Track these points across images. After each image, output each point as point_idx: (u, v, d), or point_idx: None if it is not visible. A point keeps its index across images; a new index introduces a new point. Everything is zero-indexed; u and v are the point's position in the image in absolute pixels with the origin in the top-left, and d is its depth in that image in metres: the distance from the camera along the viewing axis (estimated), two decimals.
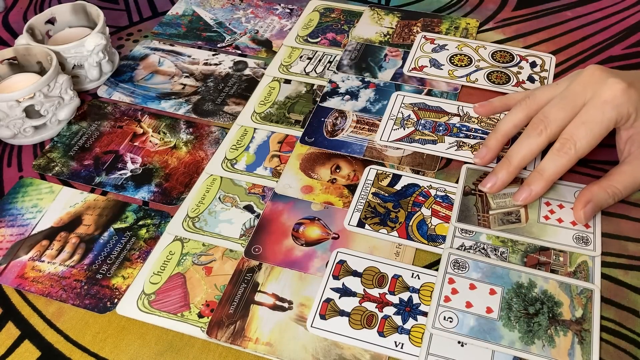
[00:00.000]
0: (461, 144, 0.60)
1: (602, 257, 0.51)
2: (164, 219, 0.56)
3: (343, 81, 0.68)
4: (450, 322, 0.47)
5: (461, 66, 0.68)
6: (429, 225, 0.54)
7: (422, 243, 0.52)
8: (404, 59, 0.70)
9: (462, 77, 0.67)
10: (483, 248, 0.52)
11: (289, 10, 0.79)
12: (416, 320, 0.47)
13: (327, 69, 0.70)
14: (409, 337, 0.46)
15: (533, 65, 0.68)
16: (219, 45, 0.74)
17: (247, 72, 0.70)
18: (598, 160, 0.58)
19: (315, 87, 0.68)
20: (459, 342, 0.46)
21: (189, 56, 0.73)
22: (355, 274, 0.51)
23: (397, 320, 0.48)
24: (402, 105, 0.64)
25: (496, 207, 0.54)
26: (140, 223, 0.55)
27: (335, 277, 0.50)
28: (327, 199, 0.56)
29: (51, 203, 0.57)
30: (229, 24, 0.77)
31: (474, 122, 0.62)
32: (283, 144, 0.62)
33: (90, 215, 0.56)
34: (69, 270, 0.52)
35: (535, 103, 0.54)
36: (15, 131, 0.62)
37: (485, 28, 0.74)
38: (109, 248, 0.54)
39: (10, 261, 0.53)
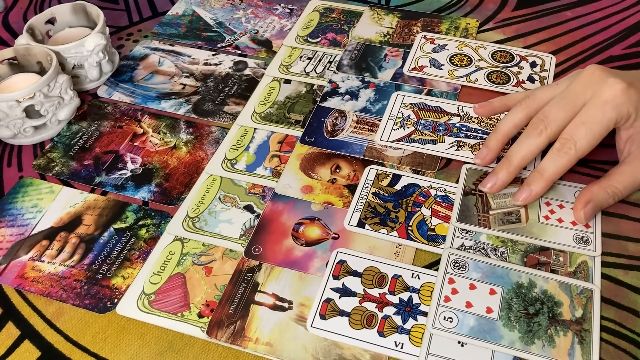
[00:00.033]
0: (461, 144, 0.60)
1: (602, 257, 0.51)
2: (164, 219, 0.56)
3: (343, 81, 0.68)
4: (450, 322, 0.47)
5: (461, 66, 0.68)
6: (429, 225, 0.54)
7: (422, 243, 0.52)
8: (404, 59, 0.70)
9: (462, 77, 0.67)
10: (483, 248, 0.52)
11: (289, 10, 0.79)
12: (416, 320, 0.47)
13: (327, 69, 0.70)
14: (409, 337, 0.46)
15: (533, 65, 0.68)
16: (219, 45, 0.74)
17: (247, 72, 0.70)
18: (598, 160, 0.58)
19: (315, 87, 0.68)
20: (459, 342, 0.46)
21: (189, 56, 0.73)
22: (355, 274, 0.51)
23: (397, 320, 0.48)
24: (402, 105, 0.64)
25: (496, 207, 0.54)
26: (140, 223, 0.55)
27: (335, 277, 0.50)
28: (327, 199, 0.56)
29: (51, 203, 0.57)
30: (229, 24, 0.77)
31: (474, 122, 0.62)
32: (283, 144, 0.62)
33: (90, 215, 0.56)
34: (69, 270, 0.52)
35: (535, 103, 0.54)
36: (15, 131, 0.62)
37: (485, 28, 0.74)
38: (109, 248, 0.54)
39: (10, 261, 0.53)
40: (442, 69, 0.68)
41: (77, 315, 0.49)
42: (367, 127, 0.62)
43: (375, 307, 0.48)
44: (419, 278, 0.50)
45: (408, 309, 0.48)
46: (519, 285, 0.49)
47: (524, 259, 0.51)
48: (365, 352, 0.46)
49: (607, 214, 0.54)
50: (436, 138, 0.61)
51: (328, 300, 0.49)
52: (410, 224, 0.54)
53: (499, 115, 0.62)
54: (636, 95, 0.51)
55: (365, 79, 0.68)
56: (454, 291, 0.49)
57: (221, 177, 0.59)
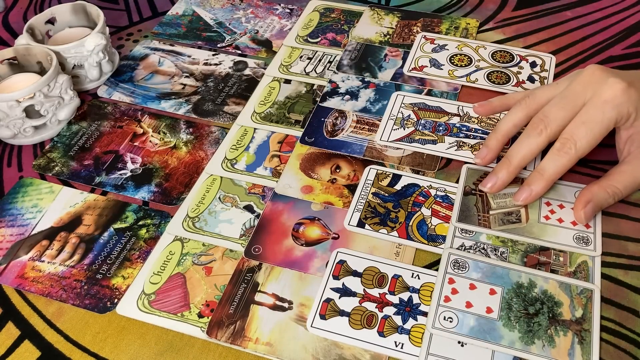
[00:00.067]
0: (461, 144, 0.60)
1: (602, 257, 0.51)
2: (164, 219, 0.56)
3: (343, 81, 0.68)
4: (450, 322, 0.47)
5: (461, 66, 0.68)
6: (429, 225, 0.54)
7: (422, 243, 0.52)
8: (404, 59, 0.70)
9: (462, 77, 0.67)
10: (483, 248, 0.52)
11: (289, 10, 0.79)
12: (416, 320, 0.47)
13: (327, 69, 0.70)
14: (409, 337, 0.46)
15: (533, 65, 0.68)
16: (219, 45, 0.74)
17: (247, 72, 0.70)
18: (598, 160, 0.58)
19: (315, 87, 0.68)
20: (459, 342, 0.46)
21: (189, 56, 0.73)
22: (355, 274, 0.51)
23: (397, 320, 0.48)
24: (402, 105, 0.64)
25: (496, 207, 0.54)
26: (140, 223, 0.55)
27: (335, 277, 0.50)
28: (327, 199, 0.56)
29: (51, 203, 0.57)
30: (229, 24, 0.77)
31: (474, 122, 0.62)
32: (283, 144, 0.62)
33: (90, 215, 0.56)
34: (69, 270, 0.52)
35: (535, 102, 0.54)
36: (15, 131, 0.62)
37: (485, 28, 0.74)
38: (109, 248, 0.54)
39: (10, 261, 0.53)
40: (442, 69, 0.68)
41: (77, 315, 0.49)
42: (367, 127, 0.62)
43: (375, 307, 0.48)
44: (419, 278, 0.50)
45: (408, 309, 0.48)
46: (519, 285, 0.49)
47: (524, 259, 0.51)
48: (365, 352, 0.46)
49: (607, 214, 0.54)
50: (436, 138, 0.61)
51: (328, 300, 0.49)
52: (410, 224, 0.54)
53: (498, 115, 0.62)
54: (636, 95, 0.51)
55: (365, 79, 0.68)
56: (454, 291, 0.49)
57: (221, 177, 0.59)
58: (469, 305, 0.48)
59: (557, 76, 0.67)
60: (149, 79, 0.70)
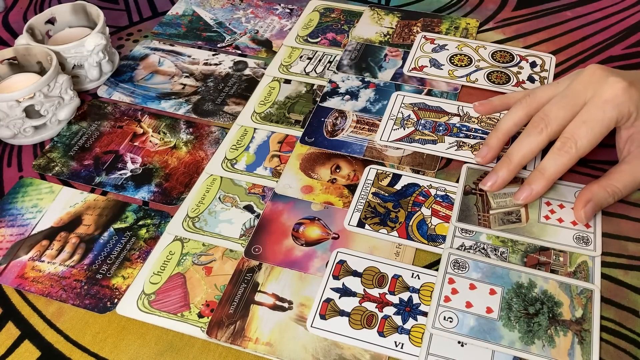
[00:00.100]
0: (461, 144, 0.60)
1: (602, 257, 0.51)
2: (164, 219, 0.56)
3: (343, 81, 0.68)
4: (450, 322, 0.47)
5: (461, 66, 0.68)
6: (429, 225, 0.54)
7: (422, 243, 0.52)
8: (404, 59, 0.70)
9: (462, 77, 0.67)
10: (483, 248, 0.52)
11: (289, 10, 0.79)
12: (416, 320, 0.47)
13: (327, 69, 0.70)
14: (409, 337, 0.46)
15: (533, 65, 0.68)
16: (219, 45, 0.74)
17: (247, 72, 0.70)
18: (598, 160, 0.58)
19: (315, 87, 0.68)
20: (459, 342, 0.46)
21: (189, 56, 0.73)
22: (355, 274, 0.51)
23: (397, 320, 0.48)
24: (402, 105, 0.64)
25: (497, 207, 0.54)
26: (140, 223, 0.55)
27: (335, 277, 0.50)
28: (327, 199, 0.56)
29: (51, 203, 0.57)
30: (229, 24, 0.77)
31: (474, 122, 0.62)
32: (283, 144, 0.62)
33: (90, 215, 0.56)
34: (69, 270, 0.52)
35: (536, 101, 0.54)
36: (15, 131, 0.62)
37: (485, 28, 0.74)
38: (109, 248, 0.54)
39: (10, 261, 0.53)
40: (442, 69, 0.68)
41: (77, 315, 0.49)
42: (367, 127, 0.62)
43: (375, 307, 0.48)
44: (419, 278, 0.50)
45: (408, 309, 0.48)
46: (519, 285, 0.49)
47: (524, 259, 0.51)
48: (365, 352, 0.46)
49: (607, 214, 0.54)
50: (436, 138, 0.61)
51: (328, 300, 0.49)
52: (410, 223, 0.54)
53: (498, 115, 0.62)
54: (637, 94, 0.51)
55: (365, 79, 0.68)
56: (454, 291, 0.49)
57: (221, 177, 0.59)
58: (469, 305, 0.48)
59: (557, 76, 0.67)
60: (149, 79, 0.70)
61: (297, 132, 0.62)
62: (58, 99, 0.62)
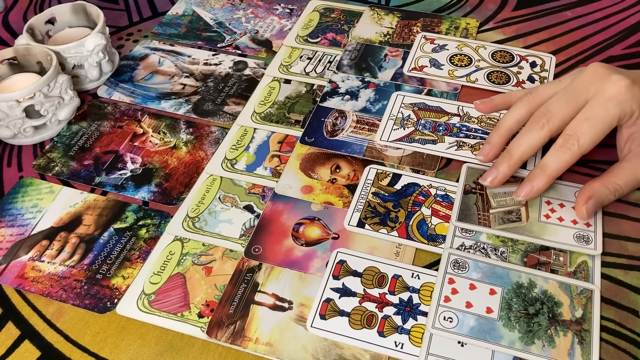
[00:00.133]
0: (461, 143, 0.60)
1: (602, 257, 0.51)
2: (164, 219, 0.56)
3: (343, 81, 0.68)
4: (450, 322, 0.47)
5: (461, 66, 0.68)
6: (429, 224, 0.54)
7: (422, 243, 0.52)
8: (404, 59, 0.70)
9: (462, 77, 0.67)
10: (483, 248, 0.52)
11: (289, 10, 0.79)
12: (416, 320, 0.47)
13: (327, 69, 0.70)
14: (409, 337, 0.46)
15: (533, 65, 0.68)
16: (219, 45, 0.74)
17: (247, 72, 0.70)
18: (597, 160, 0.58)
19: (315, 87, 0.68)
20: (459, 342, 0.46)
21: (189, 56, 0.73)
22: (355, 274, 0.51)
23: (397, 320, 0.48)
24: (402, 105, 0.64)
25: (497, 206, 0.54)
26: (140, 223, 0.55)
27: (335, 277, 0.50)
28: (327, 199, 0.56)
29: (51, 203, 0.57)
30: (229, 24, 0.77)
31: (474, 122, 0.62)
32: (283, 144, 0.62)
33: (90, 215, 0.56)
34: (69, 270, 0.52)
35: (538, 99, 0.54)
36: (15, 131, 0.62)
37: (485, 28, 0.74)
38: (109, 248, 0.54)
39: (10, 261, 0.53)
40: (442, 69, 0.68)
41: (77, 315, 0.49)
42: (367, 127, 0.62)
43: (375, 307, 0.48)
44: (419, 278, 0.50)
45: (408, 309, 0.48)
46: (519, 285, 0.49)
47: (524, 259, 0.51)
48: (365, 352, 0.46)
49: (607, 213, 0.54)
50: (436, 138, 0.61)
51: (328, 300, 0.49)
52: (410, 223, 0.54)
53: (498, 115, 0.62)
54: (639, 92, 0.51)
55: (365, 79, 0.68)
56: (454, 291, 0.49)
57: (221, 177, 0.59)
58: (469, 305, 0.48)
59: (557, 76, 0.67)
60: (149, 79, 0.70)
61: (297, 132, 0.62)
62: (58, 99, 0.62)
